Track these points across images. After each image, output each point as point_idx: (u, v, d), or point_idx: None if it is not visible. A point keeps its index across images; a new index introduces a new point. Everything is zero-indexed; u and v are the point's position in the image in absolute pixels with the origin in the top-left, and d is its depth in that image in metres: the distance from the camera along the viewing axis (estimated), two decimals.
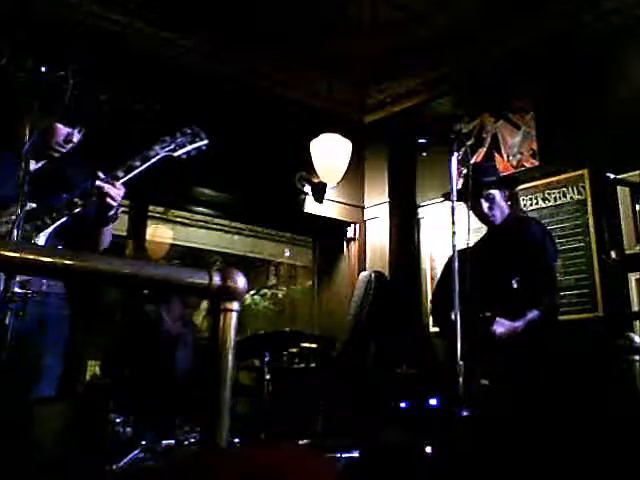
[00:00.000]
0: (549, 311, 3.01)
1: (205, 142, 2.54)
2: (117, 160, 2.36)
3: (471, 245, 2.93)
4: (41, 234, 2.21)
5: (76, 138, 2.41)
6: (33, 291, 2.19)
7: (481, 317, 2.85)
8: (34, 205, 2.23)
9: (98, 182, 2.26)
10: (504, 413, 2.79)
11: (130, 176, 2.33)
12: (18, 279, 2.09)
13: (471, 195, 2.96)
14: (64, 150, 2.41)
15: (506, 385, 2.84)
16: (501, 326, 2.84)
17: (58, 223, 2.24)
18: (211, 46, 4.39)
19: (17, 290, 2.05)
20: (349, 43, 4.40)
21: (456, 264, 2.62)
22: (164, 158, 2.42)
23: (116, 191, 2.28)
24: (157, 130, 2.48)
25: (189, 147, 2.49)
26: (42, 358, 2.31)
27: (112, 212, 2.35)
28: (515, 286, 2.79)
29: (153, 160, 2.38)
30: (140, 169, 2.35)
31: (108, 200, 2.28)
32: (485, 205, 3.17)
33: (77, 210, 2.26)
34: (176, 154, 2.46)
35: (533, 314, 2.89)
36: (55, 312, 2.38)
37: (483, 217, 3.22)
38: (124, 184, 2.32)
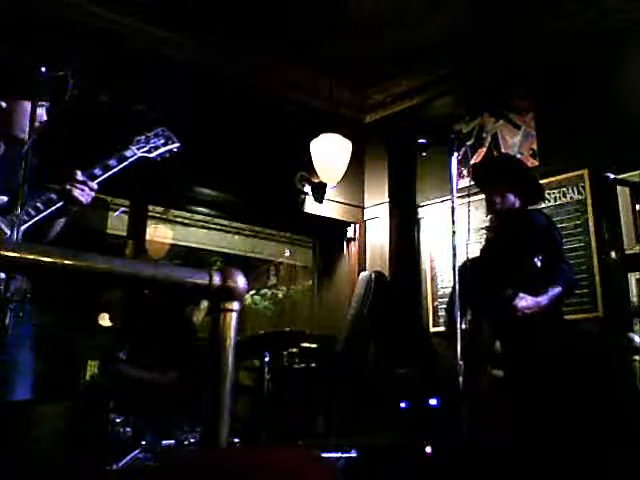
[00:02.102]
0: (570, 286, 3.08)
1: (177, 145, 2.58)
2: (92, 156, 2.35)
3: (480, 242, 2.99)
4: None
5: (45, 117, 2.35)
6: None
7: (504, 295, 2.87)
8: (5, 198, 2.18)
9: (76, 181, 2.24)
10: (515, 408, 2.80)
11: (106, 175, 2.33)
12: None
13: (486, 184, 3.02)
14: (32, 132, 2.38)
15: (522, 378, 2.86)
16: (523, 300, 2.88)
17: (34, 221, 2.18)
18: (211, 46, 4.39)
19: None
20: (349, 43, 4.39)
21: (456, 265, 2.64)
22: (140, 159, 2.43)
23: (89, 192, 2.28)
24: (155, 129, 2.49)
25: (162, 150, 2.53)
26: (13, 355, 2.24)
27: (74, 209, 2.32)
28: (538, 264, 2.83)
29: (130, 160, 2.39)
30: (116, 169, 2.35)
31: (80, 198, 2.26)
32: (497, 199, 3.24)
33: (53, 208, 2.23)
34: (151, 156, 2.49)
35: (555, 290, 2.93)
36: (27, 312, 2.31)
37: (489, 204, 3.30)
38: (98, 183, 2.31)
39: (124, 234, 4.42)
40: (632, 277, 3.76)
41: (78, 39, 3.79)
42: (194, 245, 6.29)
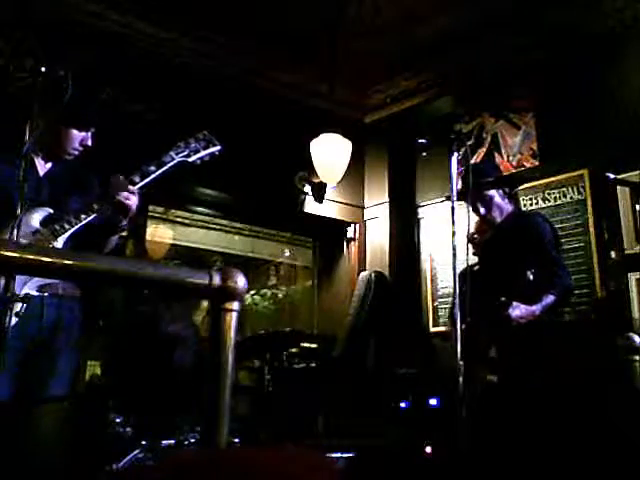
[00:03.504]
0: (565, 294, 3.07)
1: (218, 148, 2.57)
2: (129, 164, 2.38)
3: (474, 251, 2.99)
4: (59, 238, 2.22)
5: (90, 141, 2.44)
6: (50, 294, 2.22)
7: (497, 303, 2.88)
8: (51, 210, 2.27)
9: (119, 191, 2.28)
10: (511, 412, 2.81)
11: (145, 182, 2.35)
12: (39, 283, 2.14)
13: (469, 199, 3.01)
14: (77, 153, 2.45)
15: (516, 383, 2.86)
16: (517, 309, 2.87)
17: (75, 228, 2.25)
18: (211, 46, 4.39)
19: (34, 293, 2.09)
20: (349, 43, 4.39)
21: (456, 265, 2.64)
22: (179, 164, 2.44)
23: (134, 198, 2.31)
24: (161, 131, 2.51)
25: (203, 153, 2.53)
26: (57, 360, 2.32)
27: (124, 222, 2.37)
28: (531, 278, 2.83)
29: (168, 165, 2.41)
30: (155, 174, 2.37)
31: (126, 202, 2.30)
32: (482, 209, 3.23)
33: (94, 215, 2.28)
34: (190, 160, 2.50)
35: (549, 298, 2.93)
36: (69, 315, 2.39)
37: (483, 219, 3.26)
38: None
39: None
40: (632, 277, 3.76)
41: (78, 39, 3.78)
42: (194, 245, 6.28)
